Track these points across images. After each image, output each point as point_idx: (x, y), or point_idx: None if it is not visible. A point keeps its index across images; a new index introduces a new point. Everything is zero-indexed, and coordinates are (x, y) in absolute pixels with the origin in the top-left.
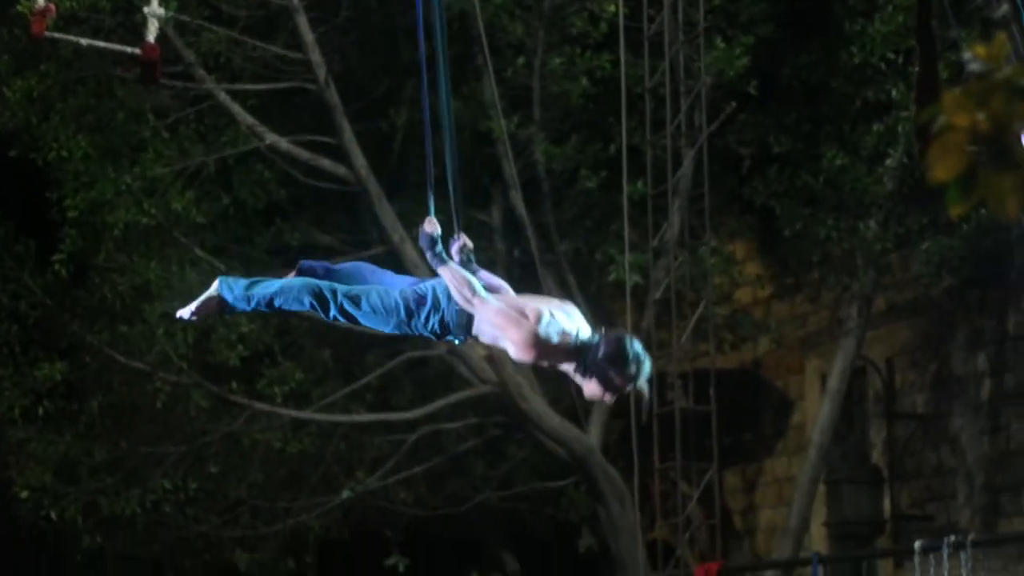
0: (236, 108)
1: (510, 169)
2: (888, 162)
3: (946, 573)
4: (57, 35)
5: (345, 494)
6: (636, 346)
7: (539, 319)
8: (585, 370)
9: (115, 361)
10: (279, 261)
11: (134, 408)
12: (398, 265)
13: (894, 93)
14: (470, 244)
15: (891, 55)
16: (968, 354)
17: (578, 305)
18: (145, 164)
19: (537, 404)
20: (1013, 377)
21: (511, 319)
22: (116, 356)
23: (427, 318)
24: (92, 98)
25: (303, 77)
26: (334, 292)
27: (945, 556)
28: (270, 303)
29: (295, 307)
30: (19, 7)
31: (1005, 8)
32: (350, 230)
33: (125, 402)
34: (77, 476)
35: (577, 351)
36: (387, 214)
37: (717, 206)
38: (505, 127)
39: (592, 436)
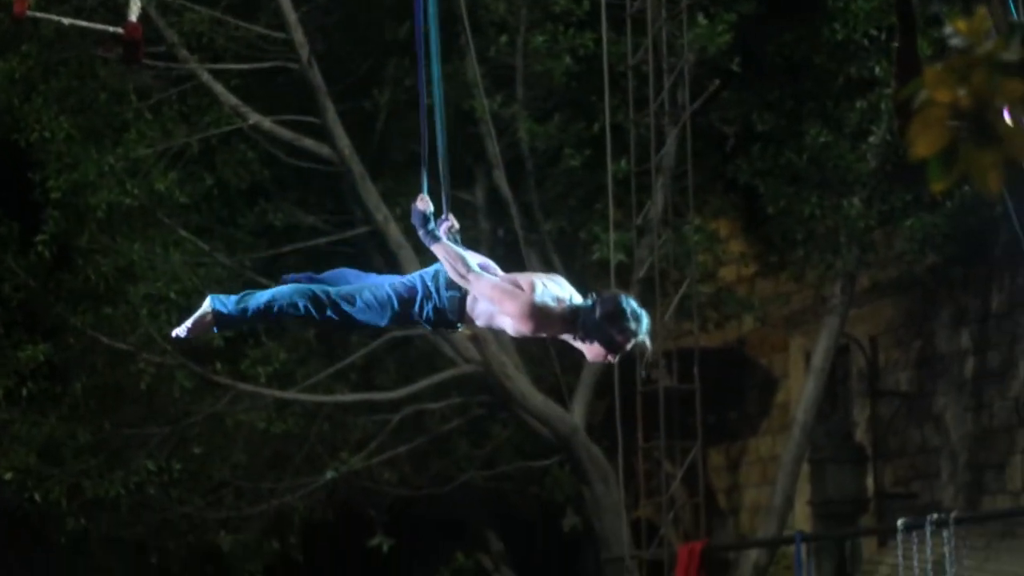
0: (219, 88)
1: (493, 148)
2: (871, 139)
3: (929, 551)
4: (39, 15)
5: (329, 474)
6: (632, 302)
7: (533, 288)
8: (585, 334)
9: (99, 342)
10: (263, 242)
11: (118, 389)
12: (382, 244)
13: (877, 70)
14: (457, 225)
15: (874, 31)
16: (952, 332)
17: None
18: (128, 145)
19: (521, 383)
20: (997, 355)
21: (506, 292)
22: (100, 337)
23: (421, 306)
24: (74, 79)
25: (286, 57)
26: (327, 293)
27: (928, 534)
28: (266, 312)
29: (290, 313)
30: None
31: None
32: (333, 210)
33: (109, 383)
34: (61, 458)
35: (573, 316)
36: (370, 194)
37: (701, 184)
38: (488, 106)
39: (576, 415)
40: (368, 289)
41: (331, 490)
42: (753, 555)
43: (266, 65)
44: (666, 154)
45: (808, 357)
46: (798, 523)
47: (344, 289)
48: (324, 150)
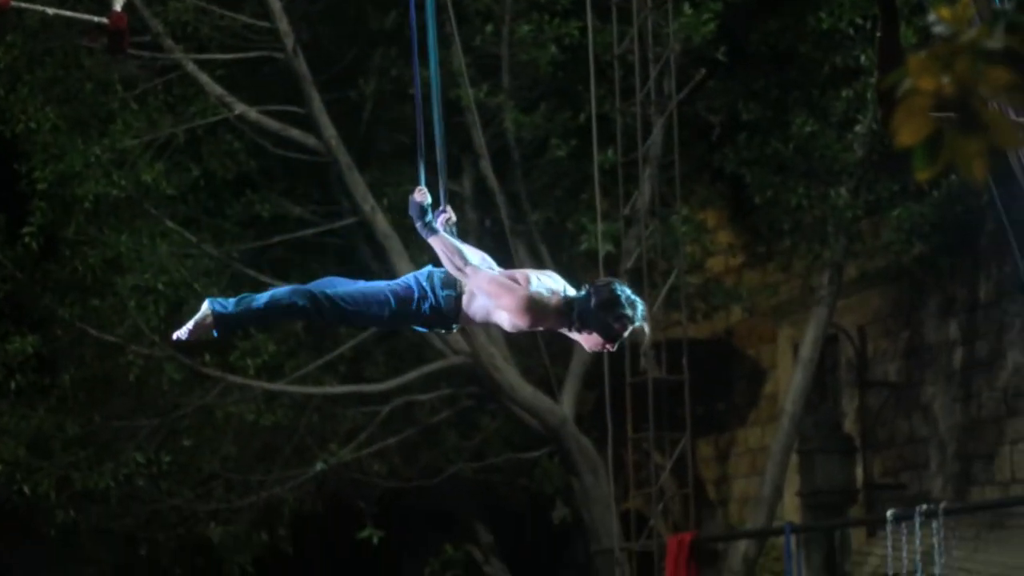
0: (204, 78)
1: (479, 138)
2: (857, 128)
3: (918, 542)
4: (24, 5)
5: (318, 466)
6: (627, 289)
7: (528, 282)
8: (582, 324)
9: (87, 334)
10: (250, 233)
11: (107, 381)
12: (370, 235)
13: (863, 59)
14: (454, 217)
15: (859, 20)
16: (940, 322)
17: None
18: (114, 135)
19: (510, 375)
20: (985, 344)
21: (504, 285)
22: (88, 329)
23: (418, 306)
24: (60, 69)
25: (271, 46)
26: (324, 293)
27: (917, 525)
28: (265, 312)
29: (290, 313)
30: None
31: None
32: (321, 201)
33: (98, 375)
34: (50, 450)
35: (569, 308)
36: (357, 184)
37: (687, 174)
38: (474, 96)
39: (565, 406)
40: (361, 290)
41: (320, 482)
42: (742, 546)
43: (251, 55)
44: (652, 144)
45: (796, 347)
46: (787, 514)
47: (341, 290)
48: (310, 140)
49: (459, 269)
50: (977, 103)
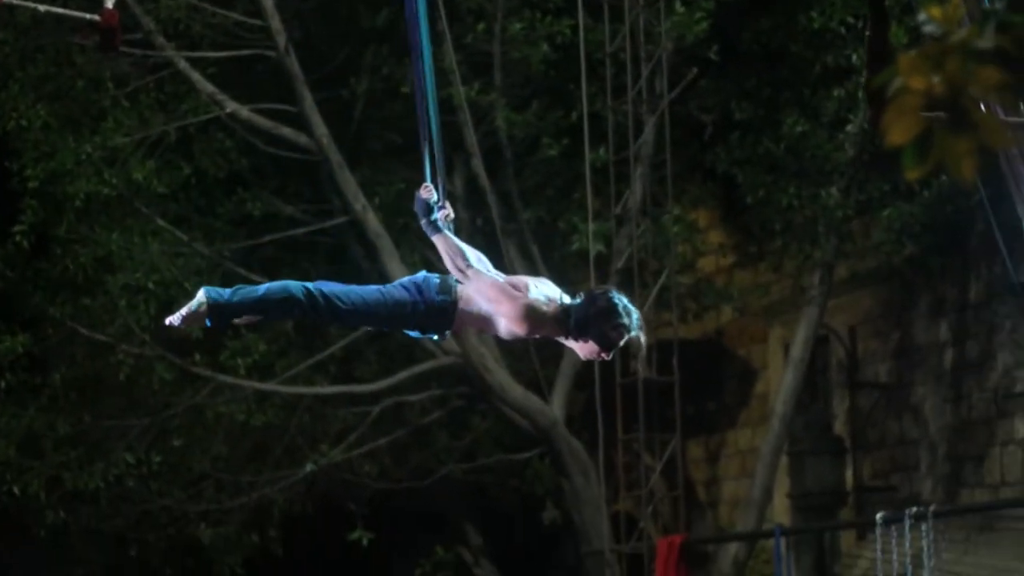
0: (196, 76)
1: (471, 137)
2: (849, 128)
3: (908, 544)
4: (15, 1)
5: (309, 467)
6: (623, 298)
7: (528, 289)
8: (579, 332)
9: (78, 333)
10: (242, 232)
11: (97, 381)
12: (361, 234)
13: (854, 58)
14: (452, 214)
15: (851, 20)
16: (930, 323)
17: (541, 274)
18: (105, 133)
19: (500, 376)
20: (975, 345)
21: (505, 292)
22: (79, 328)
23: (412, 309)
24: (51, 66)
25: (263, 44)
26: (320, 290)
27: (907, 527)
28: (260, 304)
29: (284, 307)
30: None
31: None
32: (312, 199)
33: (88, 375)
34: (40, 450)
35: (565, 316)
36: (348, 183)
37: (679, 173)
38: (465, 94)
39: (555, 408)
40: (357, 290)
41: (311, 483)
42: (732, 548)
43: (243, 53)
44: (644, 143)
45: (787, 348)
46: (777, 516)
47: (337, 288)
48: (302, 139)
49: (461, 270)
50: (967, 102)
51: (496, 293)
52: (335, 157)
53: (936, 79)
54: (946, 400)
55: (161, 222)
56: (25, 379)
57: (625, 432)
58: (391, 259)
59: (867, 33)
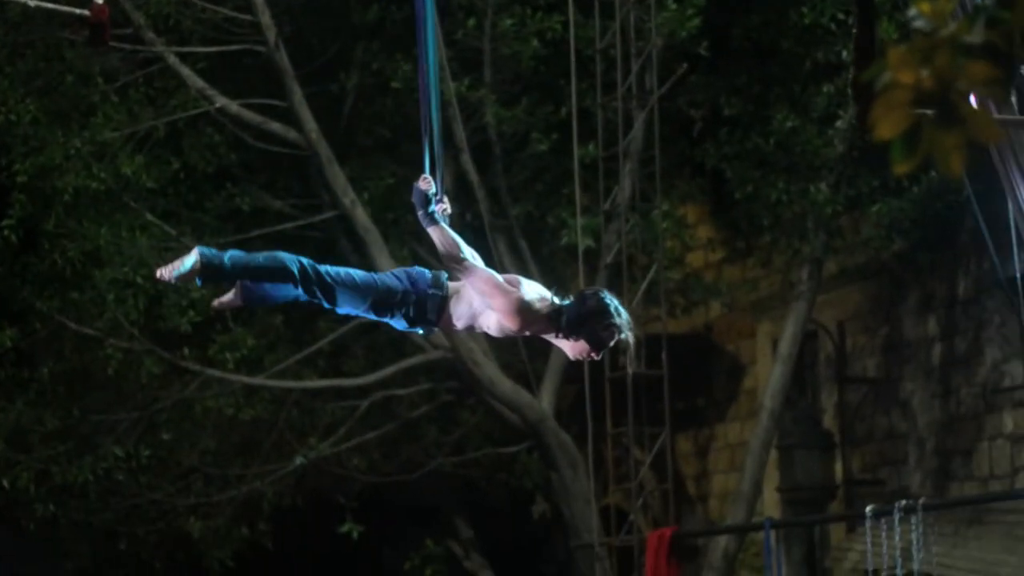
0: (186, 71)
1: (460, 132)
2: (838, 124)
3: (897, 537)
4: None
5: (298, 461)
6: (614, 299)
7: (521, 286)
8: (570, 332)
9: (66, 327)
10: (230, 227)
11: (86, 375)
12: (350, 229)
13: (844, 54)
14: (449, 208)
15: (841, 16)
16: (918, 318)
17: (530, 269)
18: (94, 128)
19: (489, 370)
20: (963, 341)
21: (500, 286)
22: (67, 322)
23: (403, 299)
24: (41, 61)
25: (253, 39)
26: (314, 266)
27: (896, 521)
28: (254, 270)
29: (274, 276)
30: None
31: None
32: (301, 194)
33: (76, 369)
34: (29, 444)
35: (557, 315)
36: (338, 178)
37: (668, 169)
38: (455, 89)
39: (544, 402)
40: (350, 271)
41: (300, 476)
42: (722, 541)
43: (233, 48)
44: (633, 138)
45: (775, 343)
46: (767, 509)
47: (330, 266)
48: (291, 134)
49: (456, 264)
50: (956, 97)
51: (490, 287)
52: (324, 152)
53: (925, 73)
54: (934, 395)
55: (150, 216)
56: (13, 373)
57: (614, 426)
58: (380, 254)
59: (854, 30)
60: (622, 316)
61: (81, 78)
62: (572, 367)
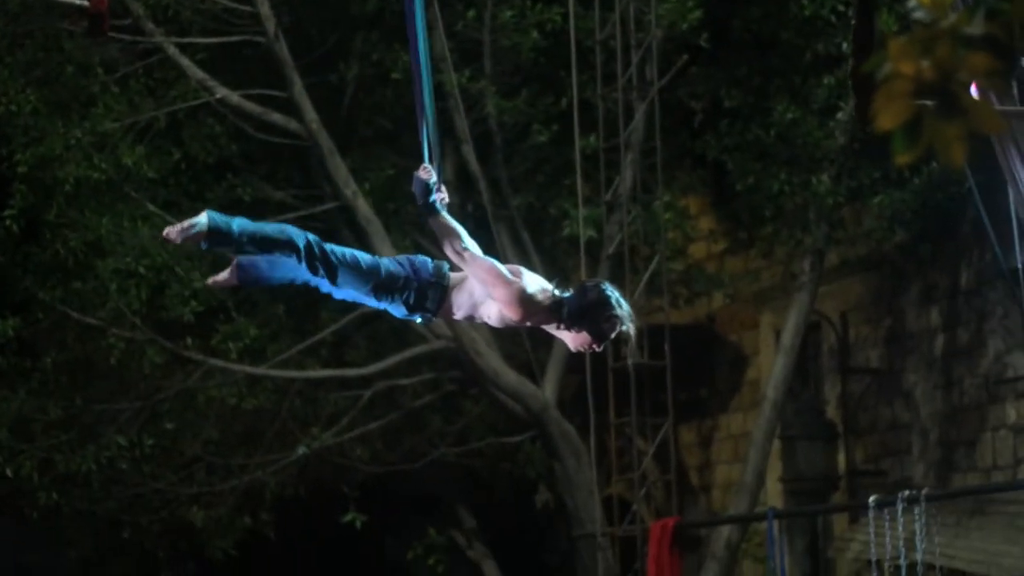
0: (185, 62)
1: (462, 123)
2: (839, 115)
3: (900, 528)
4: None
5: (301, 450)
6: (616, 291)
7: (522, 276)
8: (572, 323)
9: (68, 317)
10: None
11: (88, 364)
12: (351, 220)
13: (844, 46)
14: (447, 198)
15: (841, 7)
16: (921, 309)
17: (533, 260)
18: (95, 119)
19: (492, 360)
20: (965, 332)
21: (501, 276)
22: (69, 312)
23: (405, 285)
24: (40, 51)
25: (252, 30)
26: (320, 243)
27: (899, 511)
28: (257, 238)
29: (279, 247)
30: None
31: None
32: (302, 185)
33: (79, 358)
34: (32, 433)
35: (558, 306)
36: (339, 168)
37: (669, 160)
38: (456, 81)
39: (547, 392)
40: (357, 253)
41: (303, 466)
42: (725, 532)
43: (233, 38)
44: (634, 130)
45: (778, 334)
46: (770, 500)
47: (337, 247)
48: (292, 124)
49: (458, 253)
50: (957, 88)
51: (492, 277)
52: (325, 143)
53: (926, 64)
54: (937, 386)
55: (151, 207)
56: (16, 363)
57: (617, 416)
58: (382, 244)
59: (853, 22)
60: (623, 307)
61: (81, 68)
62: (575, 357)
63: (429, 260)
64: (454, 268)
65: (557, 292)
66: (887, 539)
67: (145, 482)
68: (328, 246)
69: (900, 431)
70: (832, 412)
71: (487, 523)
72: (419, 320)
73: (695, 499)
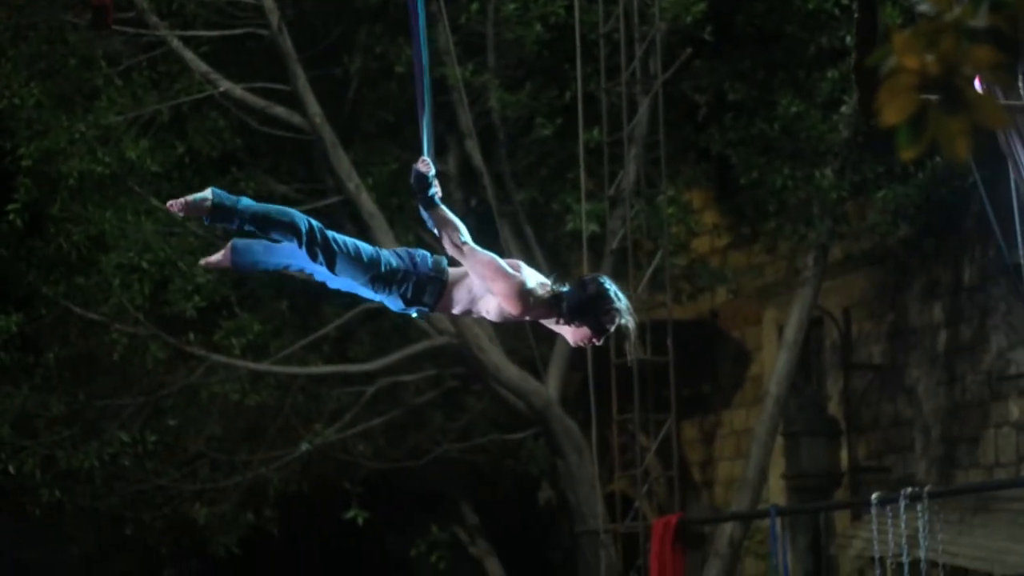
0: (189, 55)
1: (465, 117)
2: (843, 109)
3: (903, 525)
4: None
5: (304, 447)
6: (614, 285)
7: (522, 270)
8: (571, 317)
9: (71, 312)
10: None
11: (91, 360)
12: (354, 214)
13: (848, 39)
14: (440, 192)
15: (844, 1)
16: (924, 305)
17: (535, 255)
18: (98, 112)
19: (495, 356)
20: (969, 328)
21: (501, 270)
22: (72, 307)
23: (404, 278)
24: (44, 44)
25: (256, 23)
26: (322, 229)
27: (902, 508)
28: (260, 218)
29: (282, 229)
30: None
31: None
32: (306, 179)
33: (82, 354)
34: (34, 429)
35: (557, 301)
36: (342, 162)
37: (673, 154)
38: (460, 74)
39: (550, 388)
40: (359, 243)
41: (306, 462)
42: (728, 528)
43: (236, 32)
44: (638, 123)
45: (781, 329)
46: (772, 496)
47: (339, 235)
48: (295, 118)
49: (456, 247)
50: (961, 82)
51: (492, 271)
52: (328, 136)
53: (930, 58)
54: (940, 382)
55: (155, 201)
56: (19, 358)
57: (620, 412)
58: (385, 238)
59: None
60: (622, 301)
61: (84, 62)
62: (577, 353)
63: (429, 254)
64: (453, 263)
65: (556, 286)
66: (890, 536)
67: (148, 478)
68: (330, 233)
69: (903, 427)
70: (835, 408)
71: (490, 519)
72: (414, 314)
73: (697, 495)
